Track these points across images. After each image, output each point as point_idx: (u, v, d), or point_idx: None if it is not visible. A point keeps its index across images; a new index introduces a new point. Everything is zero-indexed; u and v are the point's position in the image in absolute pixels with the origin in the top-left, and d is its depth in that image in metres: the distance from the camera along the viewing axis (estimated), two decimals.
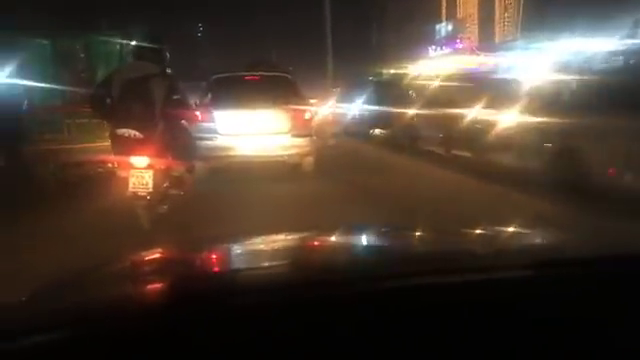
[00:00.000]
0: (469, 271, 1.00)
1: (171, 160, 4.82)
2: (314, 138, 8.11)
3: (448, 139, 9.36)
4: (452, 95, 9.56)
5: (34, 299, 1.11)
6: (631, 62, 5.91)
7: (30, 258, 3.61)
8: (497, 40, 21.06)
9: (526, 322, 0.86)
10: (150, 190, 4.56)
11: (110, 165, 5.30)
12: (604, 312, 0.89)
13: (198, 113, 7.21)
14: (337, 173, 8.02)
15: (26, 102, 8.95)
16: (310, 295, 0.89)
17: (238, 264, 1.39)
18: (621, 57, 6.15)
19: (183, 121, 5.26)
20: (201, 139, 7.00)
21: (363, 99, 14.57)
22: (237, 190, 6.62)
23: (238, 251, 1.47)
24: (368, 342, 0.82)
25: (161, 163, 4.68)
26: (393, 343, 0.82)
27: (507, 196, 6.13)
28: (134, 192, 4.55)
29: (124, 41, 8.85)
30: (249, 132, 7.56)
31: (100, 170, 6.55)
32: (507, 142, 7.10)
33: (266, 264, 1.36)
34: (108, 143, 5.10)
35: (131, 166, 4.56)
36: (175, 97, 4.81)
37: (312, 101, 12.93)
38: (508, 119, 7.19)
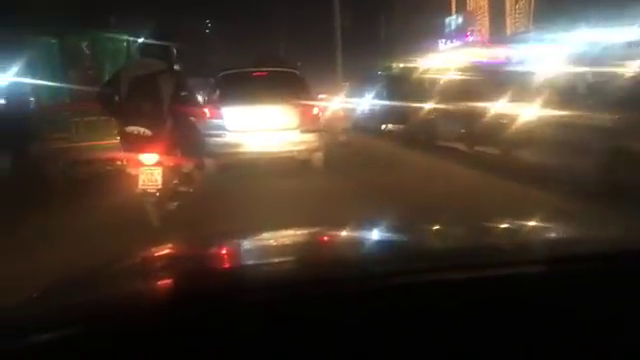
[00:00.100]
0: (486, 267, 0.99)
1: (180, 157, 4.85)
2: (323, 133, 8.12)
3: (471, 135, 8.94)
4: (472, 89, 9.18)
5: (45, 296, 1.12)
6: None
7: (41, 256, 3.65)
8: (508, 32, 20.88)
9: (544, 318, 0.85)
10: (159, 187, 4.59)
11: (119, 163, 5.33)
12: (625, 309, 0.88)
13: (206, 110, 7.26)
14: (350, 170, 7.90)
15: (33, 101, 9.01)
16: (320, 292, 0.88)
17: (248, 260, 1.39)
18: None
19: (191, 118, 5.29)
20: (210, 136, 7.04)
21: (373, 94, 14.49)
22: (246, 186, 6.65)
23: (248, 247, 1.48)
24: (381, 340, 0.81)
25: (170, 160, 4.71)
26: (407, 340, 0.82)
27: (543, 198, 5.53)
28: (144, 189, 4.58)
29: (131, 38, 8.87)
30: (258, 128, 7.58)
31: (109, 168, 6.59)
32: (539, 139, 6.67)
33: (276, 260, 1.35)
34: (117, 141, 5.15)
35: (140, 163, 4.59)
36: (183, 94, 4.83)
37: (321, 96, 12.90)
38: (537, 114, 6.80)
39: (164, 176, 4.62)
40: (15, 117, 8.73)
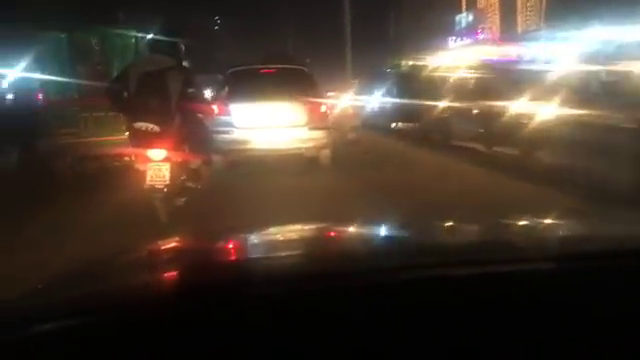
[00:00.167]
0: (494, 263, 0.98)
1: (188, 153, 4.87)
2: (331, 131, 8.12)
3: (489, 134, 8.58)
4: (488, 87, 8.91)
5: (50, 287, 1.13)
6: None
7: (48, 250, 3.68)
8: (519, 30, 20.77)
9: (553, 316, 0.84)
10: (167, 183, 4.62)
11: (127, 158, 5.36)
12: (636, 307, 0.87)
13: (214, 106, 7.29)
14: (359, 168, 7.80)
15: (42, 96, 9.06)
16: (326, 286, 0.89)
17: (254, 254, 1.40)
18: None
19: (199, 114, 5.31)
20: (218, 132, 7.07)
21: (383, 91, 14.40)
22: (253, 183, 6.68)
23: (254, 241, 1.49)
24: (387, 334, 0.81)
25: (178, 156, 4.74)
26: (413, 335, 0.82)
27: (563, 201, 5.28)
28: (152, 185, 4.61)
29: (140, 34, 8.90)
30: (265, 125, 7.60)
31: (117, 163, 6.63)
32: (559, 139, 6.42)
33: (282, 254, 1.36)
34: (124, 136, 5.17)
35: (148, 159, 4.62)
36: (191, 90, 4.86)
37: (330, 93, 12.87)
38: (556, 113, 6.58)
39: (172, 172, 4.65)
40: (23, 112, 8.79)
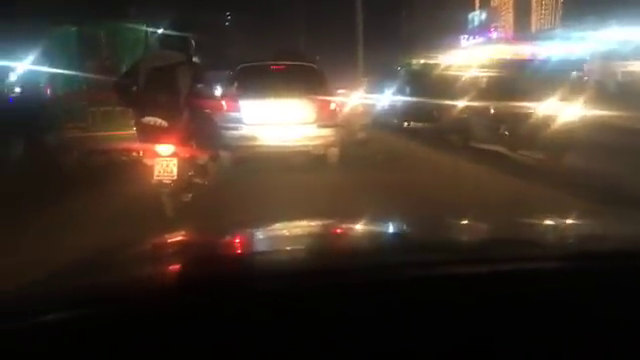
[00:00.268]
0: (498, 261, 0.98)
1: (196, 149, 4.89)
2: (340, 129, 8.11)
3: (514, 137, 8.18)
4: (512, 87, 8.55)
5: (53, 278, 1.14)
6: None
7: (54, 243, 3.70)
8: (533, 29, 20.65)
9: (559, 316, 0.84)
10: (175, 178, 4.64)
11: (135, 153, 5.39)
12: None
13: (223, 102, 7.31)
14: (369, 168, 7.58)
15: (50, 90, 9.12)
16: (330, 282, 0.89)
17: (258, 249, 1.41)
18: None
19: (208, 110, 5.32)
20: (226, 128, 7.09)
21: (394, 90, 14.31)
22: (260, 179, 6.70)
23: (259, 237, 1.50)
24: (390, 332, 0.81)
25: (186, 151, 4.76)
26: (418, 334, 0.82)
27: (589, 207, 4.71)
28: (159, 180, 4.63)
29: (150, 29, 8.94)
30: (274, 122, 7.61)
31: (124, 158, 6.66)
32: (588, 143, 6.19)
33: (287, 250, 1.37)
34: (132, 131, 5.20)
35: (156, 154, 4.64)
36: (200, 86, 4.88)
37: (340, 91, 12.84)
38: (585, 115, 6.37)
39: (179, 167, 4.67)
40: (31, 106, 8.86)
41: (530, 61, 10.42)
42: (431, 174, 7.31)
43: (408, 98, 12.85)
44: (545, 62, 9.44)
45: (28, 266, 2.86)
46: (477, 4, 25.04)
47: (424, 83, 12.59)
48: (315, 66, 8.52)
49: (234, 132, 7.47)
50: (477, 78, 10.46)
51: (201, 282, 0.91)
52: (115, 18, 10.08)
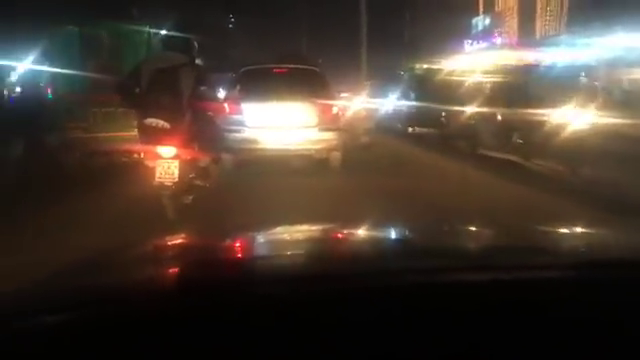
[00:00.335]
0: (502, 269, 0.97)
1: (197, 151, 4.89)
2: (342, 133, 8.13)
3: (528, 145, 7.81)
4: (524, 93, 8.26)
5: (53, 280, 1.14)
6: None
7: (54, 245, 3.70)
8: (538, 35, 20.66)
9: (561, 326, 0.83)
10: (176, 180, 4.66)
11: (137, 154, 5.40)
12: None
13: (226, 105, 7.34)
14: (372, 173, 7.46)
15: (51, 90, 9.13)
16: (331, 288, 0.89)
17: (259, 253, 1.42)
18: None
19: (210, 112, 5.34)
20: (229, 131, 7.11)
21: (398, 94, 14.27)
22: (262, 182, 6.73)
23: (260, 240, 1.51)
24: (391, 338, 0.81)
25: (187, 154, 4.77)
26: (418, 340, 0.81)
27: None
28: (160, 181, 4.65)
29: (153, 30, 8.97)
30: (276, 125, 7.64)
31: (126, 159, 6.68)
32: (609, 154, 5.81)
33: (288, 254, 1.38)
34: (134, 132, 5.21)
35: (158, 156, 4.66)
36: (203, 88, 4.89)
37: (343, 95, 12.83)
38: (603, 124, 6.06)
39: (181, 169, 4.68)
40: (32, 106, 8.88)
41: (539, 67, 10.19)
42: (437, 180, 7.12)
43: (413, 103, 12.75)
44: (555, 68, 9.23)
45: (29, 266, 2.87)
46: (481, 9, 25.08)
47: (429, 88, 12.45)
48: (317, 69, 8.55)
49: (236, 135, 7.50)
50: (485, 84, 10.28)
51: (202, 285, 0.91)
52: (117, 19, 10.10)
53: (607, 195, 5.25)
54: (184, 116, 4.71)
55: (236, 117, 7.62)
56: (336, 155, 7.99)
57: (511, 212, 4.93)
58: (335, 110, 8.14)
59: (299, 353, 0.80)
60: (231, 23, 37.96)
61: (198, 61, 5.27)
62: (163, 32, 6.63)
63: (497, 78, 9.97)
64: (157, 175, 4.65)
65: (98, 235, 3.90)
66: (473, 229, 1.61)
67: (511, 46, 19.81)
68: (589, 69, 7.33)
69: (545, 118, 7.13)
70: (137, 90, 4.78)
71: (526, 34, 21.35)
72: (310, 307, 0.85)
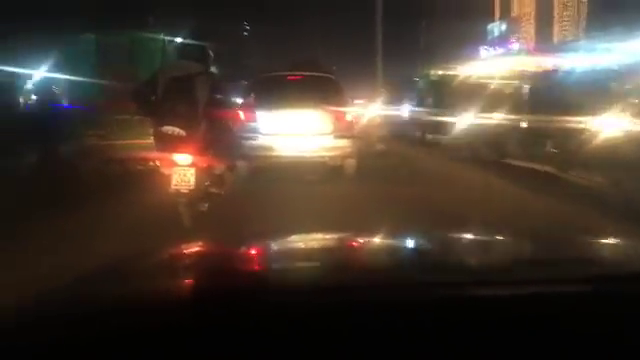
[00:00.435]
0: (520, 283, 0.96)
1: (213, 158, 4.93)
2: (356, 140, 8.14)
3: (564, 154, 7.26)
4: (555, 99, 7.73)
5: (69, 289, 1.15)
6: None
7: (71, 253, 3.75)
8: (555, 40, 20.54)
9: (581, 342, 0.82)
10: (192, 187, 4.69)
11: (153, 162, 5.46)
12: None
13: (241, 112, 7.40)
14: (387, 182, 7.23)
15: (68, 98, 9.26)
16: (344, 299, 0.89)
17: (274, 262, 1.42)
18: None
19: (225, 120, 5.38)
20: (243, 138, 7.16)
21: (414, 101, 14.16)
22: (276, 189, 6.75)
23: (275, 249, 1.52)
24: (404, 352, 0.81)
25: (203, 161, 4.80)
26: (430, 354, 0.81)
27: None
28: (177, 189, 4.69)
29: (168, 38, 9.08)
30: (291, 132, 7.68)
31: (143, 167, 6.75)
32: None
33: (303, 264, 1.37)
34: (149, 140, 5.27)
35: (174, 163, 4.70)
36: (218, 96, 4.93)
37: (358, 102, 12.83)
38: (633, 130, 5.69)
39: (197, 177, 4.73)
40: (48, 113, 9.00)
41: (564, 72, 9.80)
42: (459, 190, 6.78)
43: (430, 110, 12.54)
44: (581, 73, 8.86)
45: (44, 275, 2.91)
46: (497, 15, 25.00)
47: (447, 94, 12.29)
48: (332, 77, 8.59)
49: (251, 142, 7.55)
50: (509, 90, 9.97)
51: (217, 295, 0.93)
52: (133, 27, 10.22)
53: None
54: (200, 124, 4.76)
55: (251, 124, 7.68)
56: (351, 162, 8.01)
57: (544, 226, 4.48)
58: (349, 117, 8.17)
59: None
60: (246, 31, 38.25)
61: (213, 69, 5.32)
62: (178, 40, 6.71)
63: (520, 84, 9.67)
64: (173, 182, 4.69)
65: (116, 242, 3.95)
66: (495, 241, 1.58)
67: (529, 51, 19.70)
68: (614, 74, 7.15)
69: (581, 125, 6.68)
70: (153, 98, 4.83)
71: (543, 39, 21.23)
72: (324, 318, 0.85)
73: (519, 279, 1.01)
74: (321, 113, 7.78)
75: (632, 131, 5.97)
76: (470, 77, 12.94)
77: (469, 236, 1.69)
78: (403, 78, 17.73)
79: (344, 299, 0.89)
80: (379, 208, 5.62)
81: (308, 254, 1.47)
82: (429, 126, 12.88)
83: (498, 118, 8.88)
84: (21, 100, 15.23)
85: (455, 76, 14.14)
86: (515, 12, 23.81)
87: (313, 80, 8.27)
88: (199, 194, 4.87)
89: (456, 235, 1.71)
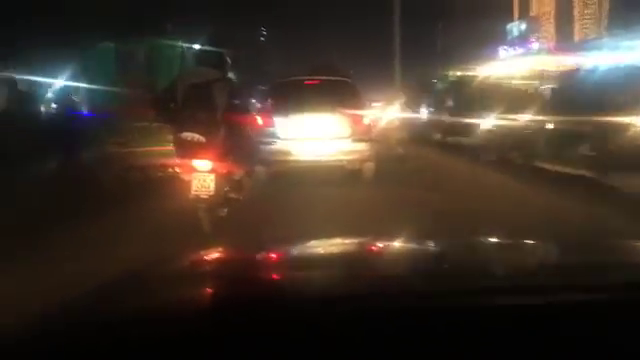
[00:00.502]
0: (549, 291, 0.95)
1: (232, 164, 4.98)
2: (374, 144, 8.14)
3: (603, 157, 6.75)
4: (588, 99, 7.32)
5: (93, 296, 1.17)
6: None
7: (94, 259, 3.82)
8: (576, 39, 20.30)
9: (616, 352, 0.81)
10: (212, 193, 4.74)
11: (173, 168, 5.53)
12: None
13: (259, 117, 7.46)
14: (410, 188, 7.07)
15: (88, 106, 9.40)
16: (365, 307, 0.90)
17: (294, 269, 1.41)
18: None
19: (243, 126, 5.43)
20: (262, 143, 7.22)
21: (434, 102, 14.02)
22: (295, 194, 6.76)
23: (294, 255, 1.52)
24: None
25: (222, 167, 4.86)
26: None
27: None
28: (197, 195, 4.74)
29: (186, 45, 9.18)
30: (308, 136, 7.72)
31: (163, 173, 6.84)
32: None
33: (322, 272, 1.36)
34: (169, 147, 5.34)
35: (194, 169, 4.76)
36: (236, 102, 4.99)
37: (376, 104, 12.79)
38: None
39: (216, 183, 4.77)
40: (67, 122, 9.14)
41: (593, 70, 9.26)
42: (489, 196, 6.51)
43: (450, 111, 12.34)
44: (610, 71, 8.43)
45: (75, 277, 2.97)
46: (516, 15, 24.80)
47: (468, 96, 12.01)
48: (349, 80, 8.62)
49: (270, 147, 7.62)
50: (536, 90, 9.71)
51: (236, 304, 0.94)
52: (152, 35, 10.34)
53: None
54: (219, 130, 4.82)
55: (269, 129, 7.75)
56: (369, 166, 8.02)
57: (583, 234, 4.23)
58: (367, 121, 8.20)
59: None
60: (263, 36, 38.46)
61: (231, 75, 5.39)
62: (196, 46, 6.78)
63: (544, 83, 9.52)
64: (193, 188, 4.76)
65: (138, 247, 4.03)
66: (519, 248, 1.55)
67: (549, 51, 19.50)
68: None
69: (621, 125, 6.33)
70: (172, 105, 4.91)
71: (564, 38, 21.01)
72: (342, 326, 0.85)
73: (546, 285, 0.99)
74: (338, 117, 7.82)
75: None
76: (491, 78, 12.76)
77: (494, 241, 1.66)
78: (421, 80, 17.65)
79: (362, 307, 0.89)
80: (399, 213, 5.56)
81: (327, 261, 1.47)
82: (450, 128, 12.67)
83: (524, 119, 8.54)
84: (42, 109, 15.53)
85: (475, 77, 13.96)
86: (534, 11, 23.60)
87: (330, 84, 8.31)
88: (219, 200, 4.93)
89: (478, 240, 1.68)
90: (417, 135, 13.70)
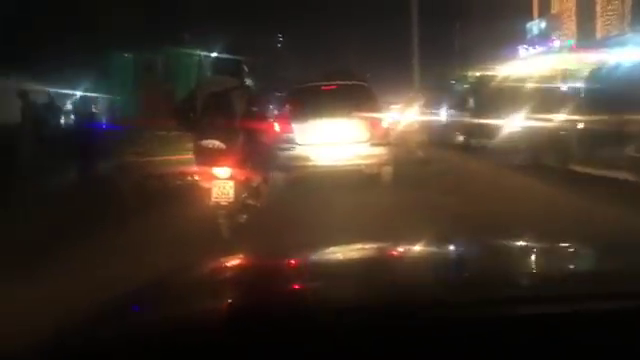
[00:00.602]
0: (580, 300, 0.93)
1: (251, 171, 5.07)
2: (392, 147, 8.17)
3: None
4: (624, 98, 6.86)
5: (114, 305, 1.20)
6: None
7: (115, 267, 3.93)
8: (599, 36, 20.06)
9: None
10: (231, 200, 4.84)
11: (193, 176, 5.64)
12: None
13: (276, 124, 7.57)
14: (431, 192, 6.90)
15: (106, 116, 9.57)
16: (386, 316, 0.90)
17: (312, 277, 1.40)
18: None
19: (261, 133, 5.53)
20: (280, 149, 7.31)
21: (455, 104, 13.86)
22: (314, 199, 6.83)
23: (313, 262, 1.52)
24: None
25: (241, 174, 4.95)
26: None
27: None
28: (217, 202, 4.85)
29: (203, 53, 9.33)
30: (326, 142, 7.79)
31: (182, 181, 6.95)
32: None
33: (341, 280, 1.33)
34: (187, 155, 5.46)
35: (214, 176, 4.87)
36: (254, 109, 5.09)
37: (394, 107, 12.73)
38: None
39: (236, 189, 4.87)
40: (87, 133, 9.34)
41: (622, 68, 8.39)
42: (520, 201, 6.17)
43: (472, 113, 12.06)
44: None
45: (90, 290, 3.07)
46: (535, 13, 24.61)
47: (491, 96, 11.76)
48: (366, 84, 8.68)
49: (287, 153, 7.72)
50: (563, 89, 9.31)
51: (256, 313, 0.96)
52: (170, 44, 10.51)
53: None
54: (238, 137, 4.92)
55: (287, 135, 7.84)
56: (387, 170, 8.06)
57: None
58: (384, 124, 8.25)
59: None
60: (280, 43, 38.67)
61: (248, 82, 5.49)
62: (214, 55, 6.91)
63: (572, 82, 9.10)
64: (213, 195, 4.87)
65: (163, 253, 4.13)
66: (545, 248, 1.54)
67: (571, 49, 19.31)
68: None
69: None
70: (191, 114, 5.03)
71: (585, 36, 20.77)
72: (362, 335, 0.86)
73: (573, 294, 0.99)
74: (355, 121, 7.89)
75: None
76: (513, 77, 12.52)
77: (520, 248, 1.62)
78: (439, 81, 17.58)
79: (382, 318, 0.89)
80: (420, 218, 5.50)
81: (347, 268, 1.46)
82: (472, 130, 12.35)
83: (557, 120, 8.09)
84: (62, 120, 15.85)
85: (496, 77, 13.67)
86: (555, 9, 23.39)
87: (346, 89, 8.38)
88: (237, 206, 5.03)
89: (503, 247, 1.65)
90: (438, 138, 13.49)
